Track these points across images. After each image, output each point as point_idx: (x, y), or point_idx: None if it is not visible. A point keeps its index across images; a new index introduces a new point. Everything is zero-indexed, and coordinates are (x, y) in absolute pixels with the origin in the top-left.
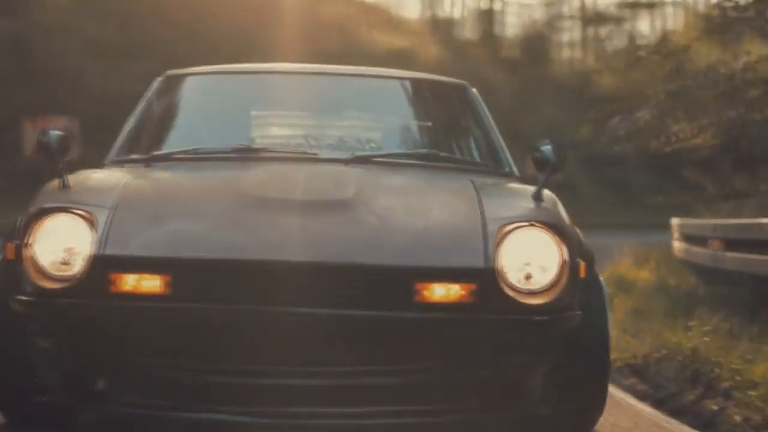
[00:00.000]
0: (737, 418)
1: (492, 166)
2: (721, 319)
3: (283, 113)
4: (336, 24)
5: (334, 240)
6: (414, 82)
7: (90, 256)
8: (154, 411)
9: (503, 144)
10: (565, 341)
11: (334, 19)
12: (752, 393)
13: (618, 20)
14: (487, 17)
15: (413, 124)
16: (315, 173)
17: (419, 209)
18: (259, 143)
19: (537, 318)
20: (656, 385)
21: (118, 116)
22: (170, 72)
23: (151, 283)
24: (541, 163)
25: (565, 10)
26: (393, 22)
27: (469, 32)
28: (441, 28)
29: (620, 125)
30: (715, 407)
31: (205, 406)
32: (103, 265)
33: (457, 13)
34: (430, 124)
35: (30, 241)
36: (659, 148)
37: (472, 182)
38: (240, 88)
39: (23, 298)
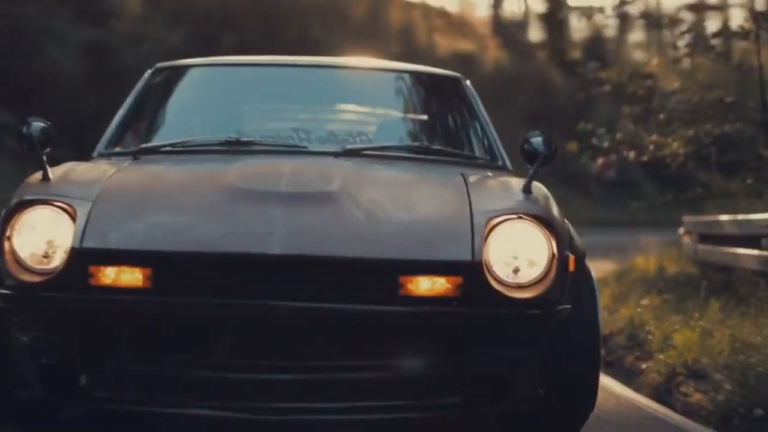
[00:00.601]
0: (654, 374)
1: (485, 159)
2: (673, 299)
3: (274, 106)
4: (400, 28)
5: (318, 233)
6: (407, 74)
7: (69, 248)
8: (133, 406)
9: (497, 137)
10: (554, 336)
11: (398, 22)
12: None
13: (679, 22)
14: (552, 19)
15: (405, 117)
16: (301, 166)
17: (406, 202)
18: (248, 136)
19: (525, 312)
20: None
21: None
22: (160, 64)
23: (131, 277)
24: (531, 156)
25: (631, 11)
26: (457, 25)
27: (534, 34)
28: (505, 30)
29: (603, 137)
30: (644, 366)
31: (185, 401)
32: (82, 258)
33: (522, 15)
34: (422, 116)
35: (10, 234)
36: (636, 159)
37: (462, 175)
38: (231, 81)
39: (2, 291)
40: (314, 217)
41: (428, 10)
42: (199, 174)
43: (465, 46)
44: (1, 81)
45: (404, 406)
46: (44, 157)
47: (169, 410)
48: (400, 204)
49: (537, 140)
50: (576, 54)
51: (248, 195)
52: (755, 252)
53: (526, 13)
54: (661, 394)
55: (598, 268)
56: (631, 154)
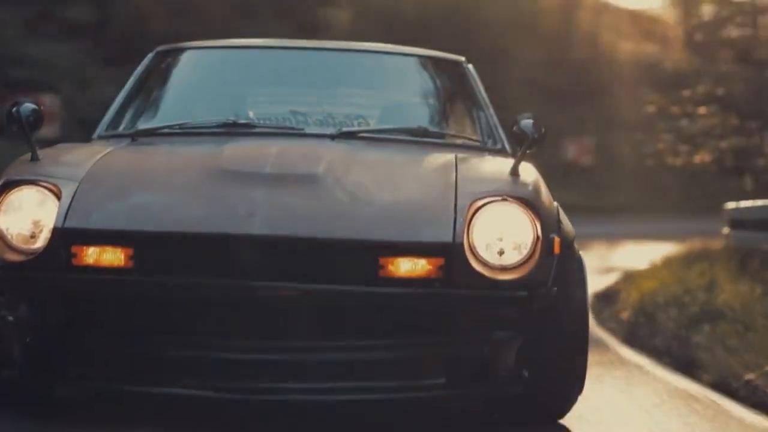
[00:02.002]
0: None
1: (483, 143)
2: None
3: (274, 88)
4: (587, 31)
5: (299, 214)
6: (408, 57)
7: (52, 228)
8: (116, 385)
9: (497, 120)
10: (540, 318)
11: (585, 25)
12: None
13: None
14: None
15: (405, 100)
16: (289, 148)
17: (391, 184)
18: (245, 118)
19: (507, 294)
20: None
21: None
22: (161, 47)
23: (113, 257)
24: (520, 138)
25: None
26: (645, 27)
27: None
28: (693, 31)
29: (648, 146)
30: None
31: (167, 381)
32: (64, 238)
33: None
34: (422, 99)
35: None
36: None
37: (456, 157)
38: (231, 63)
39: None
40: (296, 199)
41: (618, 13)
42: (188, 155)
43: (650, 48)
44: None
45: (386, 387)
46: (33, 138)
47: (151, 389)
48: (386, 186)
49: (526, 123)
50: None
51: (233, 176)
52: None
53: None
54: None
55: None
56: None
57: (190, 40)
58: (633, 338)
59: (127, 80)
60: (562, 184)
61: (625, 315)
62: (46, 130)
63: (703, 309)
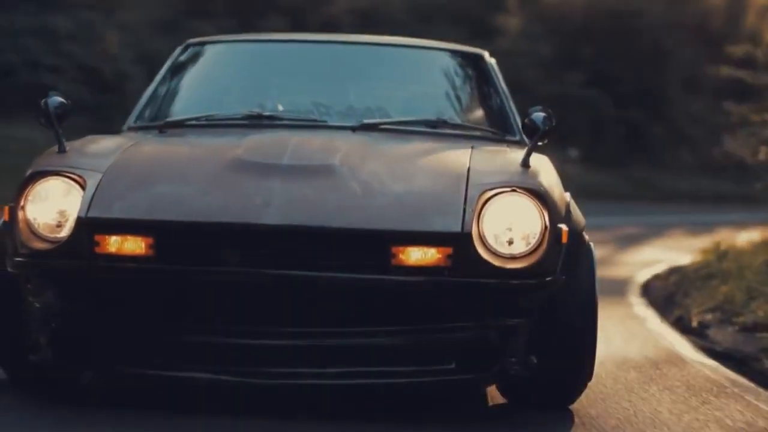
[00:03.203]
0: None
1: (501, 135)
2: None
3: (298, 81)
4: (751, 31)
5: (314, 204)
6: (429, 51)
7: (76, 218)
8: (137, 370)
9: (516, 113)
10: (549, 306)
11: (752, 26)
12: None
13: None
14: None
15: (426, 93)
16: (307, 139)
17: (405, 175)
18: (270, 110)
19: (514, 282)
20: None
21: (555, 114)
22: (191, 41)
23: (135, 245)
24: (531, 130)
25: None
26: None
27: None
28: None
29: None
30: None
31: (186, 366)
32: (88, 227)
33: None
34: (443, 92)
35: (24, 204)
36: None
37: (472, 149)
38: (257, 57)
39: (17, 258)
40: (311, 189)
41: None
42: (210, 147)
43: None
44: None
45: (397, 372)
46: (60, 130)
47: (170, 373)
48: (399, 176)
49: (538, 116)
50: None
51: (250, 167)
52: None
53: None
54: None
55: None
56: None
57: None
58: None
59: (157, 73)
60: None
61: None
62: None
63: None
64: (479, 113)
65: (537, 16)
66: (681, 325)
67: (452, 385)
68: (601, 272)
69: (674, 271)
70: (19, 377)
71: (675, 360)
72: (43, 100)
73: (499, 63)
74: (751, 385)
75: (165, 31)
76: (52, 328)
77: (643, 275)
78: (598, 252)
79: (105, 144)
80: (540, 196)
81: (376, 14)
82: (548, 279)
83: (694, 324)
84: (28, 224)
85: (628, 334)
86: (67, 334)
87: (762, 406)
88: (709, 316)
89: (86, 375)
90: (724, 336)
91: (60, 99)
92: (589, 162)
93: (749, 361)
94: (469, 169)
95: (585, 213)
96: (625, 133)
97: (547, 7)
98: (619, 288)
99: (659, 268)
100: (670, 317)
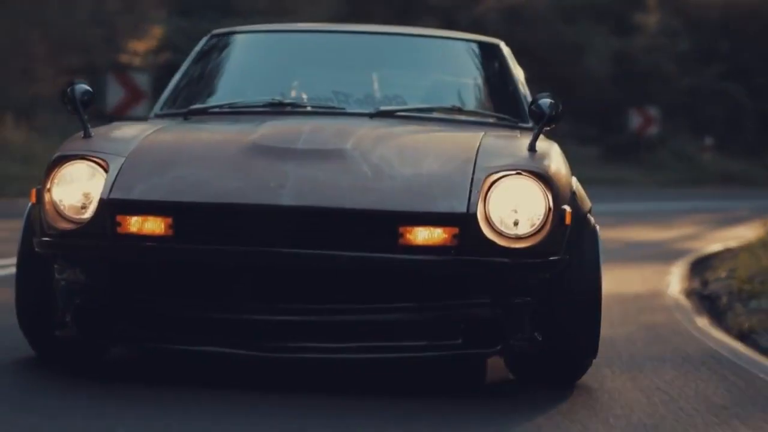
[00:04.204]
0: None
1: (515, 121)
2: None
3: (319, 70)
4: None
5: (326, 186)
6: (448, 40)
7: (99, 200)
8: (157, 344)
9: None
10: (553, 284)
11: None
12: None
13: None
14: None
15: (442, 81)
16: (322, 125)
17: (415, 158)
18: (291, 98)
19: (517, 261)
20: None
21: (693, 105)
22: (216, 31)
23: (154, 225)
24: (537, 116)
25: None
26: None
27: None
28: None
29: None
30: None
31: (203, 340)
32: (110, 208)
33: None
34: (458, 80)
35: (50, 187)
36: None
37: (483, 135)
38: (280, 46)
39: (44, 238)
40: (324, 172)
41: None
42: (230, 133)
43: None
44: (546, 81)
45: (406, 347)
46: (85, 117)
47: (189, 347)
48: (409, 160)
49: (544, 101)
50: None
51: (267, 151)
52: None
53: None
54: None
55: None
56: None
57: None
58: None
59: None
60: None
61: None
62: None
63: None
64: (495, 101)
65: (676, 12)
66: None
67: (458, 360)
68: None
69: None
70: (47, 353)
71: None
72: (69, 88)
73: (638, 58)
74: None
75: None
76: (76, 305)
77: None
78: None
79: (129, 130)
80: (544, 178)
81: (523, 11)
82: (552, 258)
83: None
84: (54, 206)
85: None
86: (90, 310)
87: None
88: None
89: (110, 351)
90: None
91: (85, 87)
92: (725, 150)
93: None
94: (477, 154)
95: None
96: (760, 123)
97: (686, 3)
98: None
99: None
100: None
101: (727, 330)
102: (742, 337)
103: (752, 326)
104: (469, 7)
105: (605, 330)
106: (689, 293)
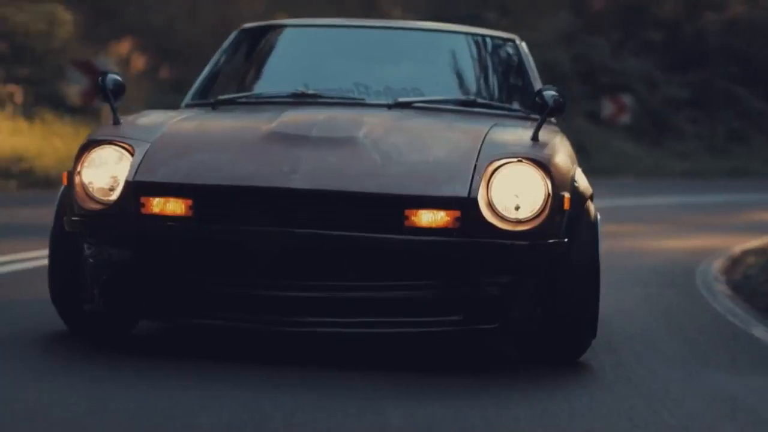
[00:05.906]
0: None
1: (527, 113)
2: None
3: (342, 63)
4: None
5: (336, 170)
6: (465, 35)
7: (124, 182)
8: (177, 318)
9: None
10: (553, 266)
11: None
12: None
13: None
14: None
15: (459, 74)
16: (338, 114)
17: (423, 146)
18: (314, 89)
19: (516, 243)
20: None
21: None
22: (246, 25)
23: (176, 206)
24: (541, 107)
25: None
26: None
27: None
28: None
29: None
30: None
31: (221, 315)
32: (134, 190)
33: None
34: (474, 73)
35: (80, 170)
36: None
37: (492, 125)
38: (305, 40)
39: (73, 218)
40: (335, 158)
41: None
42: (250, 121)
43: None
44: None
45: (410, 323)
46: (115, 105)
47: (209, 322)
48: (418, 148)
49: (548, 93)
50: None
51: (283, 138)
52: None
53: None
54: None
55: None
56: None
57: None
58: None
59: (213, 55)
60: None
61: None
62: None
63: None
64: (509, 93)
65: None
66: None
67: (460, 336)
68: None
69: None
70: (77, 327)
71: None
72: (99, 78)
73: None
74: None
75: (565, 44)
76: (103, 280)
77: None
78: None
79: (156, 118)
80: (544, 166)
81: (741, 23)
82: (550, 241)
83: None
84: (84, 188)
85: None
86: (116, 285)
87: None
88: None
89: (135, 325)
90: None
91: (115, 77)
92: None
93: None
94: (482, 142)
95: None
96: None
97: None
98: None
99: None
100: None
101: None
102: None
103: None
104: (692, 20)
105: None
106: None
